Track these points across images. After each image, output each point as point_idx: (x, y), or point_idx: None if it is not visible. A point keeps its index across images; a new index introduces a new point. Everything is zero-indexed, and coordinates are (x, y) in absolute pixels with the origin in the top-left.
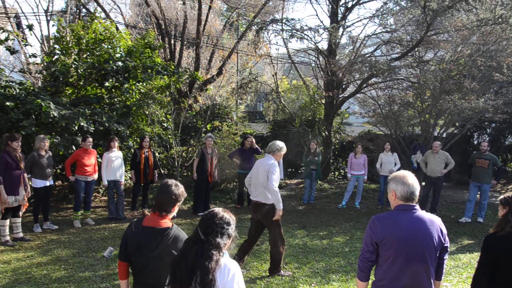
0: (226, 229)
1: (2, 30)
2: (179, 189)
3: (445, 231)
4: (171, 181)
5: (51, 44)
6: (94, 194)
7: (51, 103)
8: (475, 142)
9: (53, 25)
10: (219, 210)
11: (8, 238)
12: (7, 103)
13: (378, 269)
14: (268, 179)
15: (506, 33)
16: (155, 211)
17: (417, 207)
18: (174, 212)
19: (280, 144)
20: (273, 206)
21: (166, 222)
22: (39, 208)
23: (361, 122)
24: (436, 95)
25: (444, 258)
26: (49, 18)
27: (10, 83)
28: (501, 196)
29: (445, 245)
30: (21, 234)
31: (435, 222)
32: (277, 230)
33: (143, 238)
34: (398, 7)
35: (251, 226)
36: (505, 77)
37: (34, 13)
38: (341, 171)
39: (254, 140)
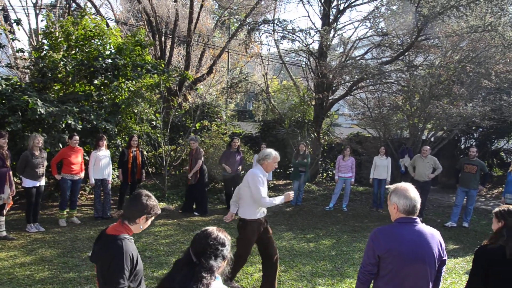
0: (221, 250)
1: None
2: (150, 200)
3: (443, 244)
4: (144, 192)
5: (40, 39)
6: (80, 193)
7: (38, 99)
8: (462, 147)
9: (41, 20)
10: (213, 230)
11: None
12: None
13: (378, 281)
14: (252, 192)
15: (495, 40)
16: (119, 218)
17: (418, 220)
18: (141, 224)
19: (267, 150)
20: (247, 222)
21: (122, 232)
22: (31, 208)
23: (350, 124)
24: (425, 100)
25: (442, 270)
26: (38, 12)
27: None
28: (497, 209)
29: (443, 258)
30: (4, 233)
31: (435, 235)
32: (242, 249)
33: (95, 244)
34: (389, 12)
35: (258, 244)
36: (493, 84)
37: (22, 6)
38: (329, 172)
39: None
